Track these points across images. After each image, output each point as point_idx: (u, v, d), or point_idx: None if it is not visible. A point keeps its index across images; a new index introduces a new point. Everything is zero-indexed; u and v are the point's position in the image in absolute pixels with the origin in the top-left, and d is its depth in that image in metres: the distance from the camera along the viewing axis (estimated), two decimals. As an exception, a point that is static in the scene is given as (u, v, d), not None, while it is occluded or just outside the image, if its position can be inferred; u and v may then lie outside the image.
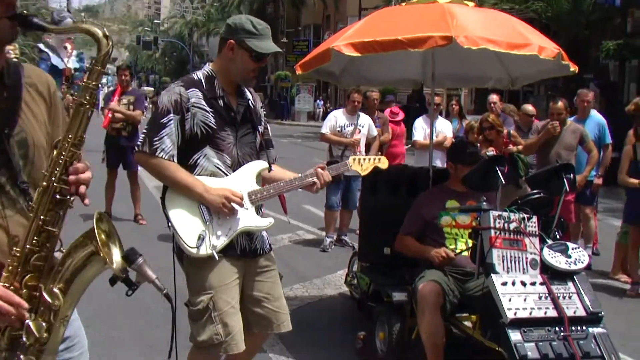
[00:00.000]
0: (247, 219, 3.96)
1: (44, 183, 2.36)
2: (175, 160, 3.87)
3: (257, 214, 4.07)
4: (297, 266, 8.96)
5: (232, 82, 4.08)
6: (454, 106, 12.90)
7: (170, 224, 3.86)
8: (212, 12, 68.89)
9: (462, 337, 5.52)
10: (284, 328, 4.22)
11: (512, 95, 24.27)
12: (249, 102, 4.17)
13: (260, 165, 4.13)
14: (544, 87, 28.19)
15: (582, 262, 4.81)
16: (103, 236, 2.44)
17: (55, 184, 2.37)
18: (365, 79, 7.70)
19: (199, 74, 4.06)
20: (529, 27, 6.16)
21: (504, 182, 5.17)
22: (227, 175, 3.98)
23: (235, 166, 4.02)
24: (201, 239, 3.81)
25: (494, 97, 11.34)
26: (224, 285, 3.90)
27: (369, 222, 6.65)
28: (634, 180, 7.99)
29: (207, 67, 4.11)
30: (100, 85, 2.50)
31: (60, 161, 2.37)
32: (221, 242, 3.87)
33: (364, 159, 4.44)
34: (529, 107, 10.34)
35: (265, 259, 4.17)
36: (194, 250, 3.79)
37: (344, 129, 9.82)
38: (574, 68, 6.02)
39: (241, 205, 3.91)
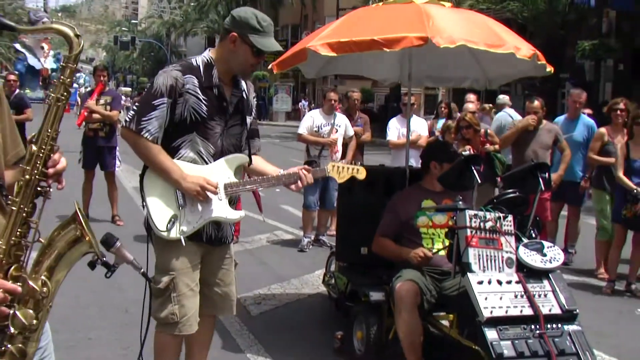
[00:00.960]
0: (220, 209, 4.05)
1: (26, 176, 2.42)
2: (159, 142, 3.93)
3: (231, 205, 4.13)
4: (275, 266, 8.96)
5: (229, 72, 4.12)
6: (442, 109, 12.99)
7: (144, 204, 3.96)
8: (190, 12, 68.60)
9: (440, 336, 5.54)
10: (227, 312, 4.50)
11: (489, 94, 24.35)
12: (243, 93, 4.22)
13: (241, 159, 4.20)
14: (520, 86, 28.33)
15: (558, 261, 4.84)
16: (83, 222, 2.54)
17: (36, 177, 2.44)
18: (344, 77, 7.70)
19: (198, 60, 4.08)
20: (505, 28, 6.19)
21: (479, 181, 5.19)
22: (207, 163, 4.04)
23: (217, 156, 4.08)
24: (172, 222, 3.91)
25: (471, 97, 11.40)
26: (186, 269, 4.04)
27: (346, 222, 6.65)
28: (630, 183, 8.05)
29: (207, 54, 4.13)
30: (77, 85, 2.53)
31: (41, 155, 2.44)
32: (190, 228, 3.98)
33: (343, 167, 4.46)
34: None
35: (226, 246, 4.32)
36: (164, 233, 3.90)
37: (321, 128, 9.83)
38: (549, 68, 6.07)
39: (215, 194, 4.01)
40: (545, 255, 4.85)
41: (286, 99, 50.17)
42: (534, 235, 5.24)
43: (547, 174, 5.48)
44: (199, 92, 3.97)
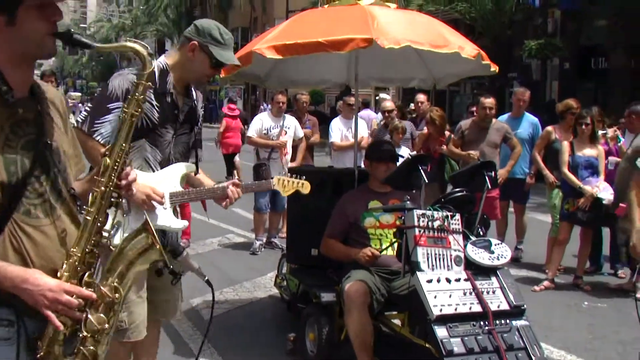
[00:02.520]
0: (164, 218, 3.97)
1: (102, 188, 2.55)
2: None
3: (174, 214, 4.08)
4: (227, 270, 8.93)
5: (184, 80, 4.08)
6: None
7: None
8: (139, 15, 68.04)
9: (391, 335, 5.58)
10: (172, 316, 4.44)
11: (438, 95, 24.60)
12: (194, 102, 4.18)
13: (187, 167, 4.15)
14: (469, 86, 28.64)
15: (505, 257, 4.90)
16: (154, 231, 2.64)
17: (110, 189, 2.58)
18: (291, 81, 7.72)
19: (154, 65, 4.00)
20: (450, 28, 6.26)
21: (426, 180, 5.23)
22: (154, 170, 3.99)
23: (164, 163, 4.04)
24: (115, 228, 3.80)
25: (421, 97, 11.49)
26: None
27: (296, 223, 6.65)
28: (576, 180, 8.19)
29: (163, 60, 4.07)
30: None
31: (115, 167, 2.59)
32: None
33: (288, 181, 4.56)
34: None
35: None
36: (105, 240, 3.76)
37: (270, 131, 9.81)
38: (494, 68, 6.15)
39: (161, 204, 3.92)
40: (493, 252, 4.90)
41: (237, 101, 49.99)
42: (481, 233, 5.29)
43: (493, 173, 5.55)
44: (153, 98, 3.91)
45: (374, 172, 5.84)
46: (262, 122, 9.91)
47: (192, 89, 4.19)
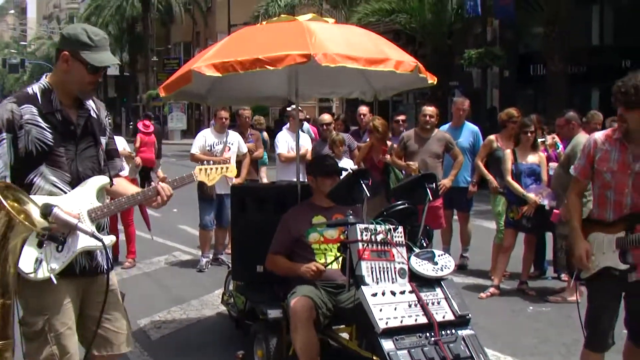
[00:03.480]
0: (87, 238, 3.73)
1: None
2: (8, 180, 3.62)
3: (100, 231, 3.90)
4: (174, 288, 8.87)
5: (70, 94, 3.89)
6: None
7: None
8: (80, 32, 67.27)
9: (340, 348, 5.59)
10: (123, 349, 4.12)
11: (382, 105, 24.74)
12: (90, 112, 3.99)
13: (100, 180, 3.97)
14: (412, 95, 28.91)
15: (449, 268, 4.95)
16: (14, 203, 2.53)
17: None
18: (233, 98, 7.72)
19: (35, 88, 3.84)
20: (388, 42, 6.31)
21: (368, 195, 5.26)
22: (65, 192, 3.82)
23: (74, 182, 3.85)
24: (38, 262, 3.62)
25: (363, 109, 11.56)
26: (61, 307, 3.78)
27: (240, 240, 6.63)
28: (520, 188, 8.32)
29: (44, 80, 3.89)
30: None
31: None
32: (60, 264, 3.71)
33: (211, 169, 4.33)
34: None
35: (103, 276, 4.00)
36: (32, 275, 3.61)
37: (214, 147, 9.78)
38: (432, 80, 6.23)
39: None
40: (436, 263, 4.94)
41: (181, 117, 49.73)
42: (425, 244, 5.34)
43: (434, 184, 5.60)
44: (40, 120, 3.74)
45: (320, 187, 5.84)
46: (205, 138, 9.86)
47: (87, 100, 4.00)
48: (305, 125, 15.23)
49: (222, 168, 4.37)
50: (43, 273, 3.66)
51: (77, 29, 3.88)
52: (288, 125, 11.43)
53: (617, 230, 4.58)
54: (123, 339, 4.11)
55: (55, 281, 3.69)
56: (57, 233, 3.52)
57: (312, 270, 5.34)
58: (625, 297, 4.74)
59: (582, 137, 7.59)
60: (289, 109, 11.06)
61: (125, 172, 9.59)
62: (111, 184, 4.07)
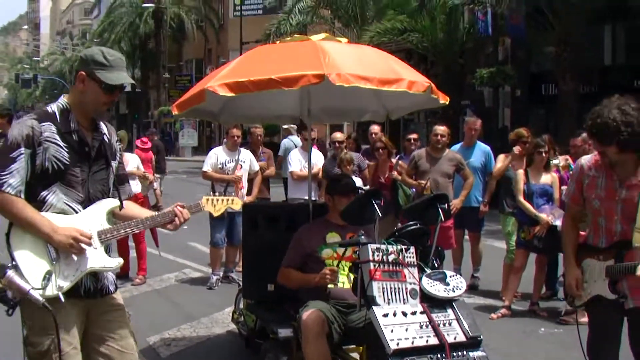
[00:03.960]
0: (96, 259, 3.85)
1: None
2: (23, 196, 3.72)
3: (106, 253, 3.95)
4: (185, 305, 8.87)
5: (86, 115, 3.96)
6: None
7: (14, 263, 3.66)
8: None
9: (350, 369, 5.57)
10: None
11: (393, 124, 24.75)
12: (104, 136, 4.05)
13: (111, 203, 4.03)
14: (423, 114, 28.89)
15: (460, 289, 4.93)
16: None
17: None
18: (245, 116, 7.74)
19: (54, 107, 3.91)
20: (401, 62, 6.32)
21: (380, 215, 5.25)
22: (77, 212, 3.87)
23: (85, 203, 3.90)
24: (47, 279, 3.66)
25: (374, 128, 11.57)
26: (67, 327, 3.79)
27: (251, 258, 6.65)
28: (532, 209, 8.30)
29: (62, 100, 3.96)
30: None
31: None
32: (68, 282, 3.76)
33: (217, 200, 4.41)
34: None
35: (111, 298, 4.08)
36: (40, 292, 3.62)
37: (225, 165, 9.81)
38: (444, 100, 6.23)
39: (90, 245, 3.81)
40: (448, 284, 4.93)
41: (192, 133, 49.88)
42: (436, 265, 5.33)
43: (446, 205, 5.60)
44: (58, 138, 3.80)
45: (337, 205, 5.85)
46: (217, 156, 9.90)
47: (101, 123, 4.07)
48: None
49: (228, 200, 4.45)
50: (52, 290, 3.67)
51: (94, 50, 3.98)
52: (301, 144, 11.46)
53: (608, 258, 4.52)
54: (129, 358, 4.09)
55: (63, 299, 3.70)
56: (7, 296, 3.56)
57: (327, 274, 5.33)
58: (628, 322, 4.65)
59: None
60: (303, 132, 11.04)
61: (138, 188, 9.65)
62: (121, 207, 4.11)
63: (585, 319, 4.97)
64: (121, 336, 4.06)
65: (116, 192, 4.12)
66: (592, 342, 4.70)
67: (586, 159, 4.75)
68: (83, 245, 3.76)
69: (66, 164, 3.81)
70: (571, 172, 8.89)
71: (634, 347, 4.67)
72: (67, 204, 3.84)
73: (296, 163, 10.60)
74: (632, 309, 4.50)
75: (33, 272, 3.66)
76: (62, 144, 3.81)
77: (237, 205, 4.52)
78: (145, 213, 4.23)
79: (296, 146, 12.67)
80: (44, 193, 3.80)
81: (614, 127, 4.29)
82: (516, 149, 9.19)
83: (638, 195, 4.42)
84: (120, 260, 4.06)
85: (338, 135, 11.07)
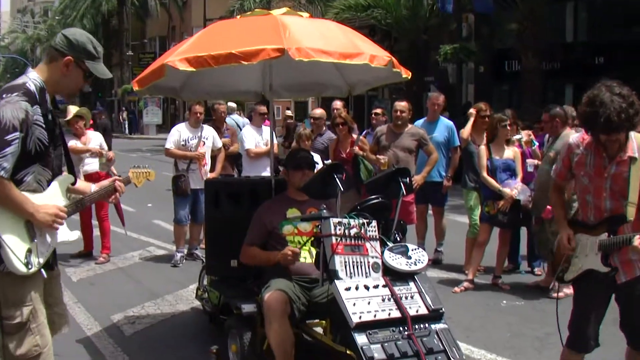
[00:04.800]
0: (63, 233, 4.02)
1: None
2: (7, 176, 3.71)
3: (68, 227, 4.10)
4: (148, 283, 8.83)
5: (54, 94, 4.01)
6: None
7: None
8: (55, 26, 66.60)
9: (314, 343, 5.59)
10: (64, 330, 4.35)
11: (357, 100, 24.78)
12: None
13: (68, 179, 4.15)
14: (387, 90, 28.95)
15: (422, 262, 4.96)
16: None
17: None
18: (206, 92, 7.67)
19: (31, 85, 3.83)
20: (363, 36, 6.30)
21: (342, 189, 5.25)
22: (44, 190, 3.93)
23: (50, 180, 3.98)
24: (29, 255, 3.76)
25: (337, 104, 11.54)
26: (39, 297, 3.91)
27: (214, 235, 6.62)
28: (496, 184, 8.37)
29: (37, 77, 3.90)
30: None
31: None
32: (44, 258, 3.88)
33: (139, 173, 4.79)
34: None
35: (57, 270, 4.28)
36: (25, 268, 3.73)
37: (188, 142, 9.75)
38: (406, 74, 6.23)
39: (64, 220, 3.96)
40: (410, 257, 4.95)
41: (156, 111, 49.52)
42: (398, 239, 5.35)
43: (408, 179, 5.62)
44: (42, 121, 3.82)
45: (291, 179, 5.87)
46: (179, 133, 9.82)
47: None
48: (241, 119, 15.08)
49: (146, 173, 4.86)
50: (34, 266, 3.78)
51: (84, 37, 4.02)
52: (243, 122, 11.38)
53: (600, 233, 4.57)
54: (64, 320, 4.32)
55: (45, 274, 3.87)
56: None
57: (288, 255, 5.34)
58: (616, 299, 4.70)
59: (569, 134, 7.51)
60: (257, 107, 10.94)
61: (96, 166, 9.57)
62: (75, 182, 4.21)
63: (568, 292, 5.01)
64: (60, 300, 4.29)
65: (67, 166, 4.19)
66: (576, 317, 4.73)
67: (574, 137, 4.78)
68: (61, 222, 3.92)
69: (46, 145, 3.87)
70: (533, 148, 9.02)
71: (624, 323, 4.73)
72: (39, 183, 3.90)
73: (251, 140, 10.49)
74: (623, 284, 4.56)
75: (18, 250, 3.73)
76: (44, 126, 3.84)
77: (151, 177, 4.89)
78: (84, 185, 4.37)
79: (239, 125, 12.65)
80: (22, 173, 3.81)
81: (621, 119, 4.28)
82: (471, 113, 9.33)
83: (628, 170, 4.46)
84: (79, 233, 4.26)
85: (317, 112, 10.97)
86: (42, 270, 3.85)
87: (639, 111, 4.34)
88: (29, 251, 3.77)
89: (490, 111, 9.31)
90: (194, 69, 5.45)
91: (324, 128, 10.53)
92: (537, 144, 9.19)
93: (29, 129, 3.73)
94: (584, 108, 4.43)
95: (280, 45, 5.28)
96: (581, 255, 4.67)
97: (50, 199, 3.92)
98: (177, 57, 5.51)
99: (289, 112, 11.06)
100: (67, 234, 4.07)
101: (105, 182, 4.36)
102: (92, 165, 9.73)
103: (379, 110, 11.18)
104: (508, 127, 8.55)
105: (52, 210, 3.84)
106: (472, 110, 9.48)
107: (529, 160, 8.84)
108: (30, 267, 3.76)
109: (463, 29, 25.51)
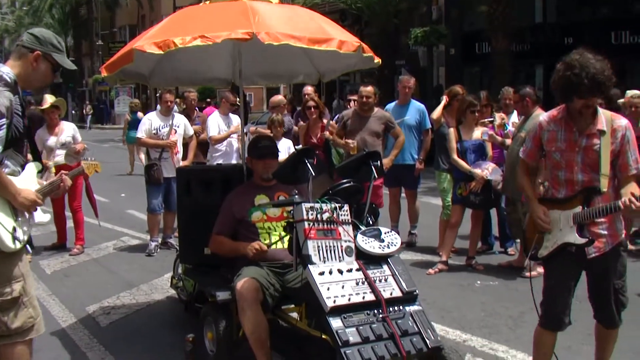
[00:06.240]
0: (39, 215, 4.38)
1: None
2: None
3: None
4: (123, 273, 8.80)
5: (25, 88, 4.19)
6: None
7: None
8: (23, 16, 65.85)
9: (290, 328, 5.60)
10: None
11: (328, 85, 24.77)
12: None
13: (37, 166, 4.45)
14: (359, 75, 28.94)
15: (395, 245, 4.98)
16: None
17: None
18: (176, 79, 7.64)
19: (8, 78, 4.00)
20: (332, 22, 6.29)
21: (313, 174, 5.25)
22: (19, 174, 4.15)
23: (23, 166, 4.22)
24: (14, 234, 3.98)
25: (308, 89, 11.53)
26: (27, 271, 4.13)
27: (186, 223, 6.60)
28: (466, 166, 8.41)
29: (9, 71, 4.04)
30: None
31: None
32: (27, 236, 4.12)
33: (90, 164, 5.21)
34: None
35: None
36: (13, 245, 3.95)
37: (159, 130, 9.70)
38: (377, 60, 6.23)
39: (41, 205, 4.23)
40: (383, 241, 4.97)
41: (128, 101, 49.15)
42: (371, 222, 5.36)
43: (379, 162, 5.63)
44: (20, 110, 4.03)
45: (254, 168, 5.88)
46: (150, 122, 9.77)
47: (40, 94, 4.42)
48: None
49: (93, 164, 5.26)
50: (20, 243, 4.02)
51: (49, 33, 4.33)
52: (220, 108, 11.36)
53: (573, 206, 4.61)
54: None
55: (30, 250, 4.20)
56: None
57: (254, 250, 5.35)
58: (586, 274, 4.77)
59: (539, 115, 7.55)
60: (225, 94, 10.92)
61: (62, 159, 9.47)
62: (42, 169, 4.53)
63: (541, 271, 5.04)
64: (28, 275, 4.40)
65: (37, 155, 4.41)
66: (547, 295, 4.77)
67: (544, 116, 4.83)
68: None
69: (22, 131, 4.07)
70: (506, 131, 9.05)
71: (592, 295, 4.83)
72: (14, 167, 4.10)
73: (214, 128, 10.46)
74: (592, 259, 4.62)
75: (5, 229, 3.94)
76: (21, 114, 4.04)
77: (99, 168, 5.28)
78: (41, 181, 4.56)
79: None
80: (1, 156, 3.97)
81: (603, 78, 4.37)
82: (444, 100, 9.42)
83: (599, 142, 4.53)
84: (50, 215, 4.55)
85: (276, 99, 10.97)
86: (27, 246, 4.13)
87: (612, 76, 4.43)
88: (14, 229, 3.98)
89: (465, 94, 9.34)
90: (162, 52, 5.42)
91: (285, 112, 10.62)
92: (509, 128, 9.22)
93: (11, 117, 3.91)
94: (564, 73, 4.47)
95: (249, 29, 5.28)
96: (555, 230, 4.71)
97: (25, 182, 4.15)
98: (146, 41, 5.50)
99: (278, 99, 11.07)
100: (42, 216, 4.46)
101: (54, 177, 4.58)
102: (62, 156, 9.66)
103: (355, 97, 11.21)
104: (477, 114, 8.60)
105: (31, 197, 4.08)
106: (444, 97, 9.54)
107: (482, 129, 8.77)
108: (17, 243, 3.98)
109: (433, 12, 25.53)
